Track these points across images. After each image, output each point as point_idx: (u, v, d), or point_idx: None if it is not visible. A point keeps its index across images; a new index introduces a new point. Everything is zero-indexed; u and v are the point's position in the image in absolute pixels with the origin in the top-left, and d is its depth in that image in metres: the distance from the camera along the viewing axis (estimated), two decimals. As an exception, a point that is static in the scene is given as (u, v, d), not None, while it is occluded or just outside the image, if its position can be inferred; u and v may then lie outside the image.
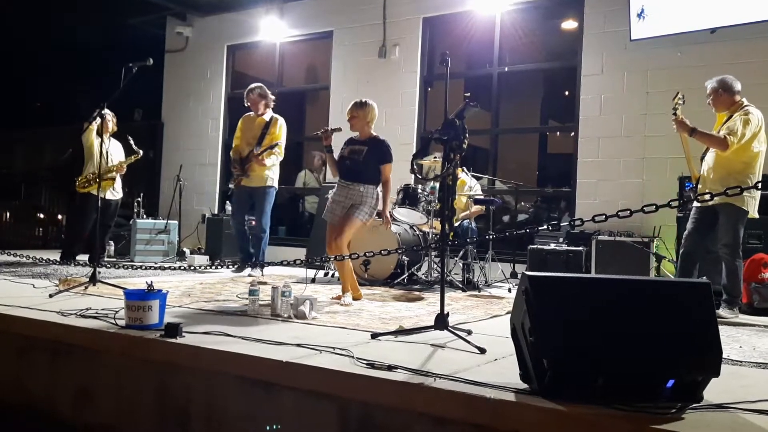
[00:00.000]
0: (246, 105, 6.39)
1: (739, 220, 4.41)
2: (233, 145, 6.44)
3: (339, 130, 4.80)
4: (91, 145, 6.76)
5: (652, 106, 6.44)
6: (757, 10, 5.89)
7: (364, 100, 4.78)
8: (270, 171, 6.22)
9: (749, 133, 4.34)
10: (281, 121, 6.30)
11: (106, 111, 6.64)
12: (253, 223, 6.36)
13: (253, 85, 6.39)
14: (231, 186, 6.38)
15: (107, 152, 6.55)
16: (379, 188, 4.78)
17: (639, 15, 6.43)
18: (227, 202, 8.33)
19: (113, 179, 6.77)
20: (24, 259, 5.69)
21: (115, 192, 6.88)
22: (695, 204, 4.61)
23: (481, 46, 7.73)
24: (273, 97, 6.38)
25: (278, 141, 6.18)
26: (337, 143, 4.84)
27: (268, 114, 6.33)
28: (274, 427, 2.64)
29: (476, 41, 7.68)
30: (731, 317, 4.35)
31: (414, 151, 7.22)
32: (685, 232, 4.66)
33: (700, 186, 4.61)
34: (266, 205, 6.22)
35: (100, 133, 5.62)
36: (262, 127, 6.25)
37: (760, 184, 3.93)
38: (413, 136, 7.84)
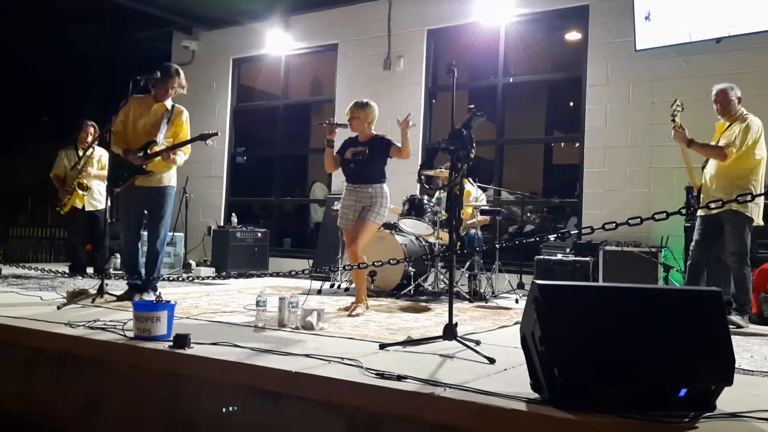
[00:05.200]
0: (149, 86, 4.80)
1: (745, 227, 4.40)
2: (114, 133, 4.78)
3: (345, 126, 4.78)
4: (61, 163, 6.84)
5: (657, 116, 6.42)
6: (763, 20, 5.90)
7: (365, 101, 4.77)
8: (170, 168, 4.90)
9: (750, 140, 4.35)
10: (187, 115, 4.92)
11: (90, 122, 6.87)
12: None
13: (173, 66, 4.93)
14: (116, 190, 4.93)
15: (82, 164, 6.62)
16: (386, 186, 4.76)
17: (646, 18, 6.42)
18: (233, 214, 8.34)
19: (84, 188, 6.67)
20: (32, 271, 5.69)
21: (96, 202, 6.78)
22: (699, 214, 4.60)
23: (485, 58, 7.75)
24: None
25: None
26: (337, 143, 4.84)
27: (170, 101, 4.90)
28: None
29: (481, 53, 7.71)
30: (743, 325, 4.32)
31: (419, 163, 7.26)
32: (692, 243, 4.65)
33: (702, 196, 4.59)
34: (167, 209, 4.90)
35: (108, 145, 5.56)
36: (162, 115, 4.81)
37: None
38: (418, 147, 7.84)
